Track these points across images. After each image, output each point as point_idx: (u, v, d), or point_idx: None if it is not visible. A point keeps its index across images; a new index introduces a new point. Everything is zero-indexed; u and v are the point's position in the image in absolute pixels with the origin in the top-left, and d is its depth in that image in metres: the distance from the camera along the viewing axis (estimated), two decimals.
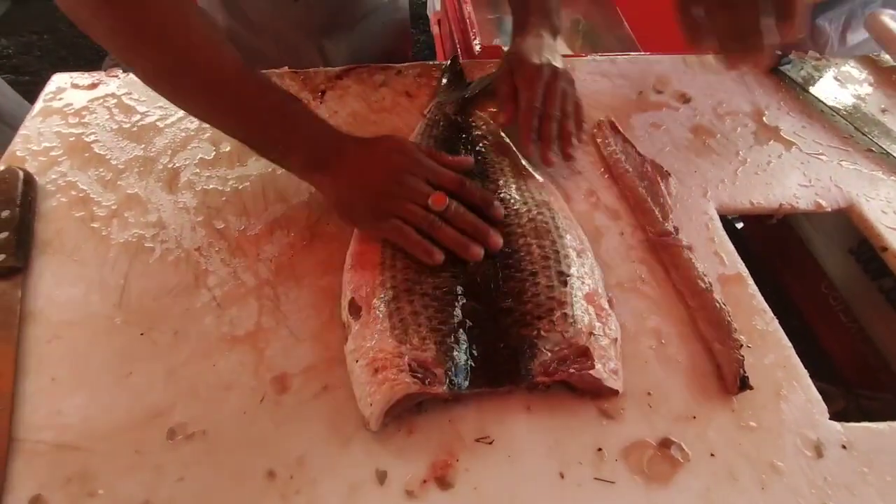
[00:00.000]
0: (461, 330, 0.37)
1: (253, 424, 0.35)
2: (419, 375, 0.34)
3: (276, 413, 0.35)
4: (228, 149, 0.53)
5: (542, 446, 0.34)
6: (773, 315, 0.41)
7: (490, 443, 0.34)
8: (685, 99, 0.60)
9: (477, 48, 0.66)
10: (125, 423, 0.35)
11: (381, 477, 0.33)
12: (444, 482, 0.32)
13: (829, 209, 0.50)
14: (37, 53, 1.74)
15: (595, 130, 0.55)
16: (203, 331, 0.39)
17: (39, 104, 0.56)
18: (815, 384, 0.38)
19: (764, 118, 0.58)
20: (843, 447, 0.35)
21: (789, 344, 0.40)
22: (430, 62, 0.63)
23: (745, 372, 0.36)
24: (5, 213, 0.43)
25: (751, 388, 0.36)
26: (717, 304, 0.40)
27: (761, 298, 0.42)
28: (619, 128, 0.55)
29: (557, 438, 0.34)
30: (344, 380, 0.37)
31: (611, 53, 0.65)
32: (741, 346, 0.38)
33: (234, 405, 0.36)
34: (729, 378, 0.37)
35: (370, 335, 0.36)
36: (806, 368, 0.39)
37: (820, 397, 0.37)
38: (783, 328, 0.41)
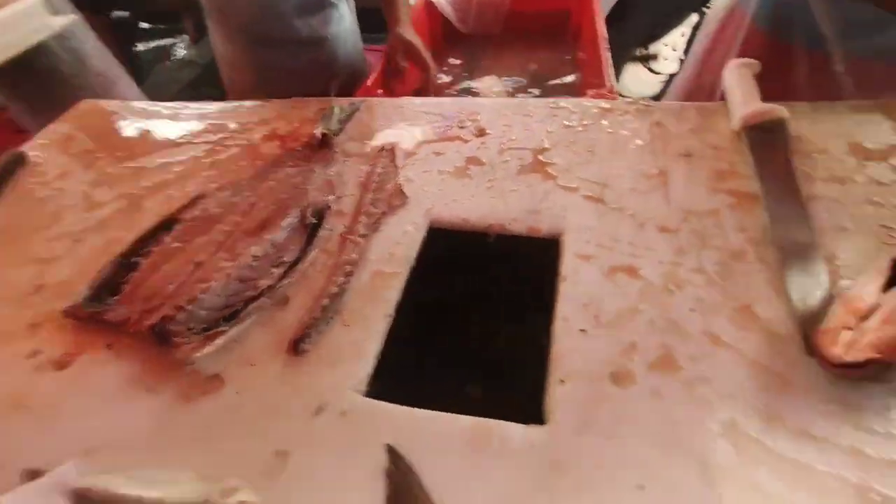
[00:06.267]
0: None
1: None
2: None
3: None
4: None
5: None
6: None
7: None
8: (482, 133, 0.66)
9: None
10: None
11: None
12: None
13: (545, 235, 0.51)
14: None
15: (376, 153, 0.64)
16: None
17: None
18: None
19: (540, 157, 0.60)
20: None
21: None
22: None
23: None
24: None
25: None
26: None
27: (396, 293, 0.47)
28: (396, 153, 0.63)
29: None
30: None
31: (441, 98, 0.74)
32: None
33: None
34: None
35: None
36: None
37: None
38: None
